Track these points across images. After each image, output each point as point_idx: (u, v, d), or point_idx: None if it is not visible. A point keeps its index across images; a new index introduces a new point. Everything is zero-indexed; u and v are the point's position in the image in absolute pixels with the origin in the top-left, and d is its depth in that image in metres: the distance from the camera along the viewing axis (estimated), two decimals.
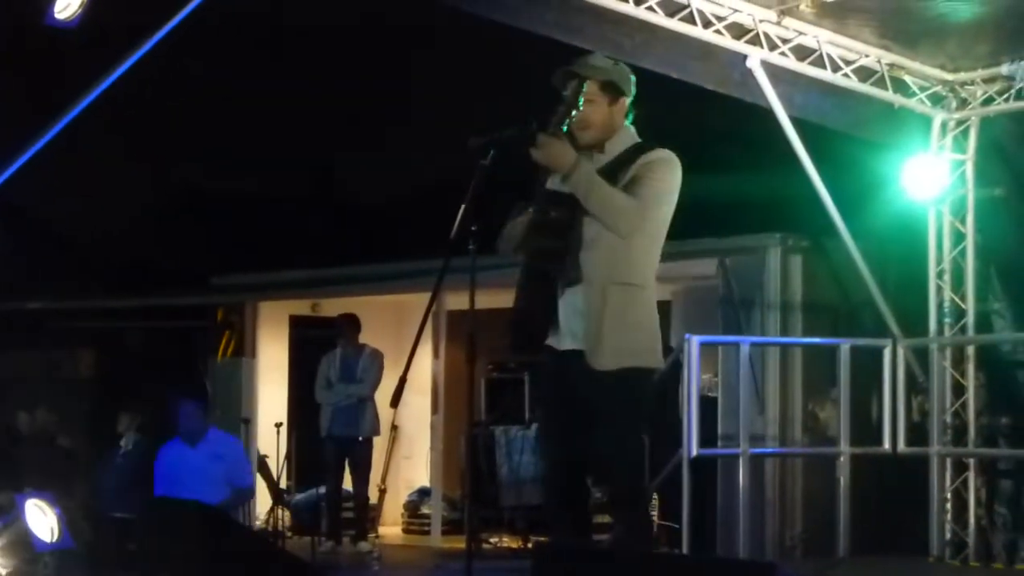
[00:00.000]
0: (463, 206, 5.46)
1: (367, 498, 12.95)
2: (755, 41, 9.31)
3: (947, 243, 10.52)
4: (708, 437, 10.02)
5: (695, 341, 9.47)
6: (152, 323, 15.61)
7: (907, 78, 10.11)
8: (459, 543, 12.49)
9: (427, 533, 13.51)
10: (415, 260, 12.59)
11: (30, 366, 15.15)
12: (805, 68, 9.58)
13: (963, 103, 10.38)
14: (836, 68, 9.69)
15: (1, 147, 8.11)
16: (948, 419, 10.39)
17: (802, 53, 9.56)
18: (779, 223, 11.09)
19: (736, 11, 9.17)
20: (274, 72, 14.37)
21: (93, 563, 8.84)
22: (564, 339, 5.76)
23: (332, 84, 14.42)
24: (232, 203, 16.65)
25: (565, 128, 5.62)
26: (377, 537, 11.96)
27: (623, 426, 5.70)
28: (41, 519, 7.95)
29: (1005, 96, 10.09)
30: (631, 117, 5.92)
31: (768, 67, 9.43)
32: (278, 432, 12.34)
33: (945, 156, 10.44)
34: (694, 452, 9.37)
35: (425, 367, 13.13)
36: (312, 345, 13.66)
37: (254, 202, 16.64)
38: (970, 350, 10.43)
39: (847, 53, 9.74)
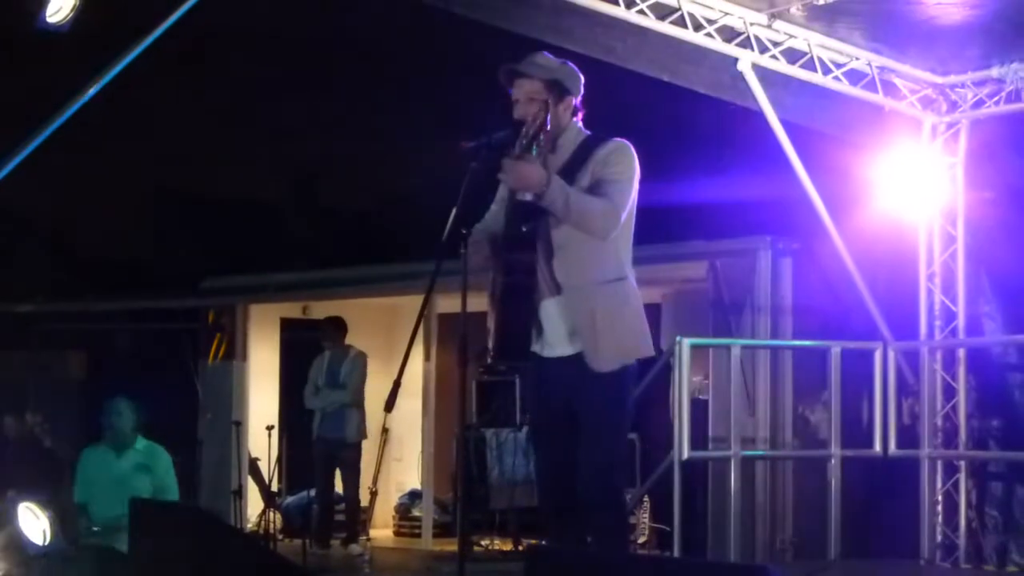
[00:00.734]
0: (454, 209, 5.46)
1: (357, 501, 12.95)
2: (746, 44, 9.31)
3: (937, 246, 10.53)
4: (699, 440, 10.03)
5: (686, 343, 9.47)
6: (142, 325, 15.60)
7: (897, 81, 10.12)
8: (450, 545, 12.50)
9: (418, 535, 13.52)
10: (406, 263, 12.61)
11: (19, 368, 15.12)
12: (796, 71, 9.59)
13: (953, 106, 10.39)
14: (826, 71, 9.70)
15: None
16: (939, 422, 10.40)
17: (793, 56, 9.57)
18: (769, 226, 11.11)
19: (727, 14, 9.18)
20: (265, 76, 14.38)
21: (83, 566, 8.83)
22: (548, 346, 5.77)
23: (323, 87, 14.43)
24: (223, 206, 16.67)
25: (535, 151, 5.61)
26: (368, 539, 11.95)
27: (614, 424, 5.72)
28: (33, 522, 7.93)
29: (995, 99, 10.10)
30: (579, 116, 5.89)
31: (759, 70, 9.43)
32: (269, 435, 12.34)
33: (935, 159, 10.45)
34: (685, 454, 9.37)
35: (416, 370, 13.13)
36: (303, 348, 13.67)
37: (245, 205, 16.66)
38: (961, 353, 10.44)
39: (837, 56, 9.75)
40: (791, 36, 9.49)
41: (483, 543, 12.30)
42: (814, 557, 10.14)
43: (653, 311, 11.35)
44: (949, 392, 10.41)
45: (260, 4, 13.11)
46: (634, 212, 5.79)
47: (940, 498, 10.38)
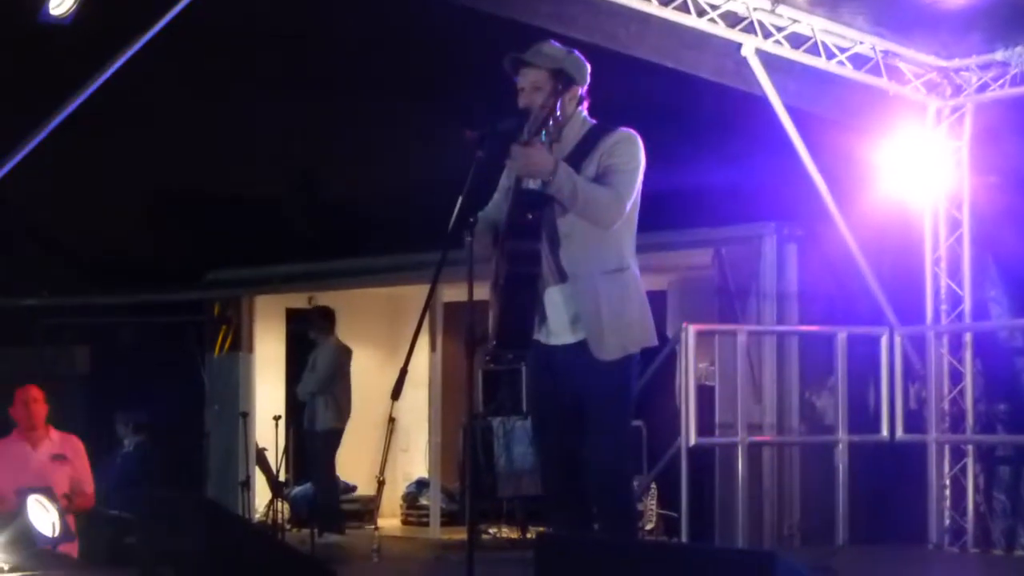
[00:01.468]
0: (459, 198, 5.45)
1: (330, 491, 12.99)
2: (749, 29, 9.31)
3: (943, 230, 10.52)
4: (706, 426, 10.04)
5: (691, 330, 9.47)
6: (148, 319, 15.60)
7: (901, 65, 10.11)
8: (458, 534, 12.50)
9: (426, 525, 13.52)
10: (411, 253, 12.60)
11: (24, 363, 15.13)
12: (799, 56, 9.58)
13: (958, 90, 10.38)
14: (830, 56, 9.69)
15: None
16: (946, 406, 10.39)
17: (796, 41, 9.56)
18: (774, 212, 11.10)
19: (730, 0, 9.17)
20: (267, 70, 14.38)
21: (92, 559, 8.84)
22: (551, 334, 5.76)
23: (326, 79, 14.42)
24: (227, 198, 16.66)
25: (544, 137, 5.61)
26: (376, 529, 11.95)
27: (620, 412, 5.73)
28: (43, 515, 7.94)
29: (1000, 82, 10.09)
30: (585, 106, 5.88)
31: (762, 55, 9.43)
32: (276, 425, 12.36)
33: (940, 143, 10.44)
34: (692, 441, 9.38)
35: (422, 359, 13.12)
36: (309, 338, 13.68)
37: (249, 197, 16.65)
38: (967, 337, 10.43)
39: (841, 41, 9.74)
40: (795, 21, 9.48)
41: (491, 531, 12.30)
42: (822, 542, 10.14)
43: (658, 298, 11.37)
44: (956, 376, 10.40)
45: (260, 0, 13.11)
46: (638, 202, 5.78)
47: (948, 483, 10.38)
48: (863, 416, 10.43)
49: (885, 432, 10.18)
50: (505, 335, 5.76)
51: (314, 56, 14.21)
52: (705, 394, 10.50)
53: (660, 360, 9.68)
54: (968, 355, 10.40)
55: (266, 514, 12.92)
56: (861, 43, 9.80)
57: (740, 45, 9.35)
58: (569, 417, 5.73)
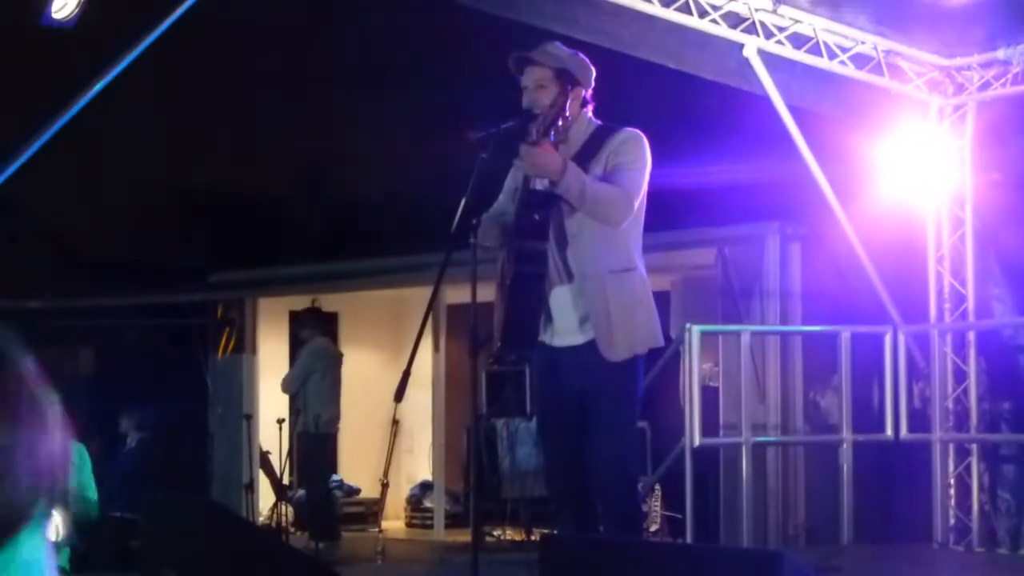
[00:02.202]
0: (463, 199, 5.45)
1: (310, 495, 13.01)
2: (751, 30, 9.31)
3: (946, 229, 10.52)
4: (710, 427, 10.03)
5: (695, 330, 9.46)
6: (151, 321, 15.61)
7: (903, 64, 10.11)
8: (462, 536, 12.50)
9: (430, 527, 13.53)
10: (414, 254, 12.60)
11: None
12: (801, 56, 9.58)
13: (960, 88, 10.38)
14: (832, 55, 9.69)
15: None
16: (950, 405, 10.39)
17: (798, 41, 9.57)
18: (777, 212, 11.10)
19: (732, 0, 9.17)
20: (271, 70, 14.37)
21: (97, 561, 8.85)
22: (557, 335, 5.77)
23: (329, 80, 14.41)
24: (230, 199, 16.65)
25: (552, 137, 5.62)
26: (380, 531, 11.96)
27: (626, 413, 5.73)
28: None
29: (1002, 81, 10.09)
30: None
31: (764, 55, 9.43)
32: (280, 428, 12.36)
33: (943, 142, 10.43)
34: (696, 442, 9.37)
35: (426, 361, 13.13)
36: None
37: (252, 197, 16.64)
38: (971, 335, 10.43)
39: (843, 40, 9.74)
40: (796, 21, 9.48)
41: (495, 533, 12.30)
42: (827, 542, 10.14)
43: (662, 299, 11.33)
44: (960, 375, 10.40)
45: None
46: (644, 202, 5.79)
47: (952, 481, 10.37)
48: (867, 415, 10.42)
49: (889, 431, 10.18)
50: (510, 336, 5.76)
51: (318, 58, 14.20)
52: (709, 395, 10.49)
53: (664, 361, 9.67)
54: (972, 353, 10.40)
55: (270, 517, 12.92)
56: (863, 43, 9.80)
57: (742, 45, 9.35)
58: (574, 418, 5.74)
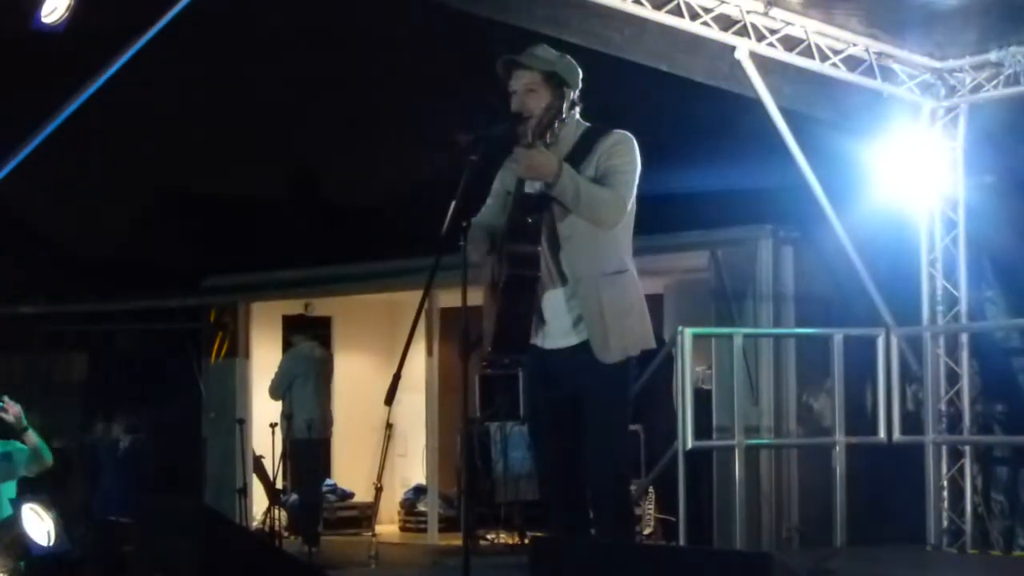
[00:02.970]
0: (453, 202, 5.45)
1: (310, 499, 13.03)
2: (743, 32, 9.30)
3: (938, 231, 10.51)
4: (703, 429, 10.02)
5: (688, 333, 9.45)
6: (144, 326, 15.60)
7: (895, 66, 10.10)
8: (456, 540, 12.51)
9: (424, 531, 13.53)
10: (407, 258, 12.60)
11: (20, 370, 15.13)
12: (793, 58, 9.57)
13: (952, 91, 10.37)
14: (824, 58, 9.68)
15: None
16: (943, 407, 10.37)
17: (790, 43, 9.56)
18: (770, 214, 11.10)
19: (723, 2, 9.17)
20: (262, 74, 14.37)
21: (90, 566, 8.83)
22: (550, 338, 5.76)
23: (323, 84, 14.42)
24: (223, 204, 16.65)
25: (550, 142, 5.63)
26: (374, 535, 11.95)
27: (619, 415, 5.73)
28: (37, 523, 7.93)
29: (994, 83, 10.08)
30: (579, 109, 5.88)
31: (756, 58, 9.42)
32: (273, 432, 12.34)
33: (935, 144, 10.43)
34: (689, 445, 9.36)
35: (419, 364, 13.12)
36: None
37: (245, 203, 16.65)
38: (964, 338, 10.42)
39: (835, 43, 9.73)
40: (788, 23, 9.48)
41: (488, 537, 12.30)
42: (820, 544, 10.13)
43: (655, 301, 11.34)
44: (952, 377, 10.39)
45: (259, 1, 13.10)
46: (635, 204, 5.79)
47: (945, 484, 10.36)
48: (861, 418, 10.42)
49: (882, 434, 10.17)
50: (503, 339, 5.76)
51: (313, 64, 14.21)
52: (702, 397, 10.50)
53: (657, 364, 9.67)
54: (965, 356, 10.38)
55: (263, 521, 12.91)
56: (854, 45, 9.80)
57: (734, 48, 9.34)
58: (567, 420, 5.74)
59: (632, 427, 8.28)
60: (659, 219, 8.99)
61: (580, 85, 5.84)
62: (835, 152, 10.19)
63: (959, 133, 10.40)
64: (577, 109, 5.84)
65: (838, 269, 10.60)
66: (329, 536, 13.48)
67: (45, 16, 7.27)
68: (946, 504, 10.34)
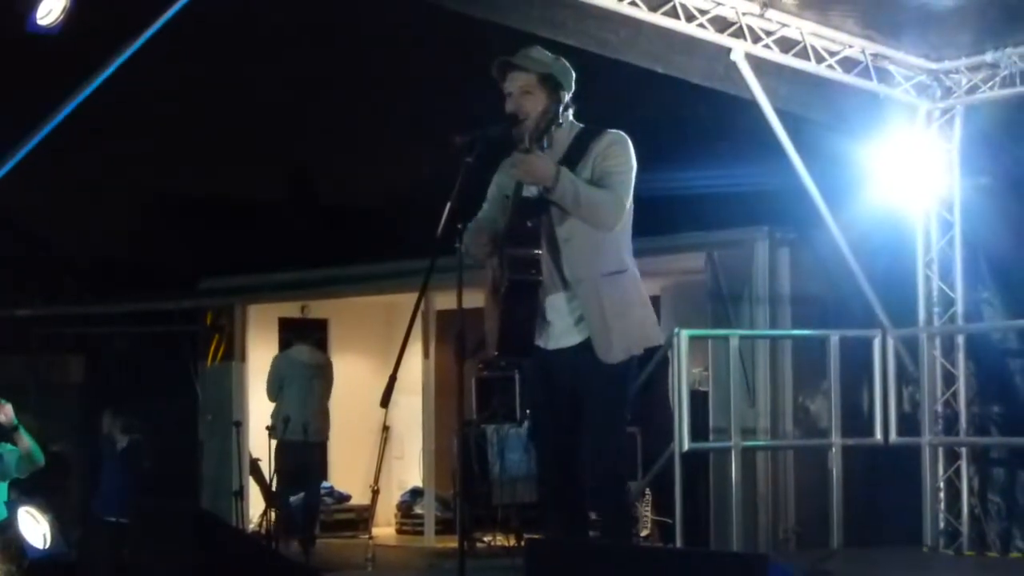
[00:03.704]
0: (449, 204, 5.45)
1: (309, 501, 13.03)
2: (739, 34, 9.30)
3: (935, 232, 10.51)
4: (699, 431, 10.03)
5: (684, 335, 9.45)
6: (141, 328, 15.59)
7: (891, 68, 10.10)
8: (453, 542, 12.49)
9: (420, 533, 13.52)
10: (404, 260, 12.60)
11: (18, 372, 15.12)
12: (789, 60, 9.57)
13: (948, 92, 10.38)
14: (820, 59, 9.68)
15: None
16: (939, 409, 10.37)
17: (786, 45, 9.56)
18: (766, 216, 11.10)
19: (719, 4, 9.16)
20: (259, 75, 14.37)
21: (87, 569, 8.83)
22: (553, 339, 5.77)
23: (320, 86, 14.42)
24: (219, 206, 16.65)
25: (546, 145, 5.64)
26: (371, 538, 11.94)
27: (618, 416, 5.74)
28: (33, 526, 7.93)
29: (990, 84, 10.08)
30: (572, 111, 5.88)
31: (752, 60, 9.42)
32: (269, 435, 12.33)
33: (931, 145, 10.43)
34: (686, 446, 9.36)
35: (415, 367, 13.12)
36: None
37: (241, 205, 16.64)
38: (960, 339, 10.42)
39: (831, 44, 9.73)
40: (784, 25, 9.48)
41: (485, 539, 12.28)
42: (817, 546, 10.13)
43: (652, 303, 11.34)
44: (949, 379, 10.39)
45: (257, 1, 13.09)
46: (632, 204, 5.80)
47: (942, 485, 10.36)
48: (857, 419, 10.42)
49: (879, 435, 10.17)
50: (507, 342, 5.77)
51: (310, 65, 14.21)
52: (699, 399, 10.50)
53: (654, 365, 9.67)
54: (961, 357, 10.38)
55: (260, 524, 12.90)
56: (850, 46, 9.80)
57: (730, 49, 9.34)
58: (567, 419, 5.75)
59: (630, 429, 8.28)
60: (655, 221, 8.98)
61: (574, 87, 5.84)
62: (831, 153, 10.19)
63: (955, 134, 10.40)
64: (571, 111, 5.84)
65: (834, 270, 10.60)
66: (326, 538, 13.48)
67: (41, 18, 7.27)
68: (942, 506, 10.35)
